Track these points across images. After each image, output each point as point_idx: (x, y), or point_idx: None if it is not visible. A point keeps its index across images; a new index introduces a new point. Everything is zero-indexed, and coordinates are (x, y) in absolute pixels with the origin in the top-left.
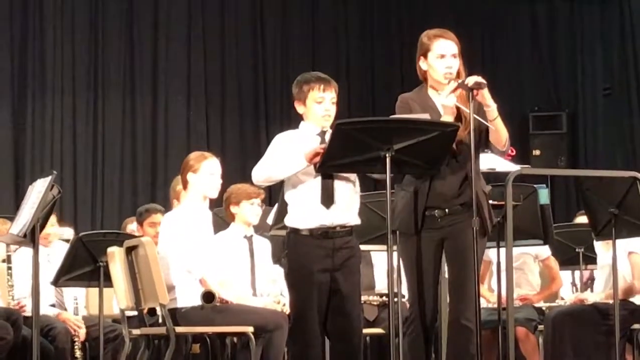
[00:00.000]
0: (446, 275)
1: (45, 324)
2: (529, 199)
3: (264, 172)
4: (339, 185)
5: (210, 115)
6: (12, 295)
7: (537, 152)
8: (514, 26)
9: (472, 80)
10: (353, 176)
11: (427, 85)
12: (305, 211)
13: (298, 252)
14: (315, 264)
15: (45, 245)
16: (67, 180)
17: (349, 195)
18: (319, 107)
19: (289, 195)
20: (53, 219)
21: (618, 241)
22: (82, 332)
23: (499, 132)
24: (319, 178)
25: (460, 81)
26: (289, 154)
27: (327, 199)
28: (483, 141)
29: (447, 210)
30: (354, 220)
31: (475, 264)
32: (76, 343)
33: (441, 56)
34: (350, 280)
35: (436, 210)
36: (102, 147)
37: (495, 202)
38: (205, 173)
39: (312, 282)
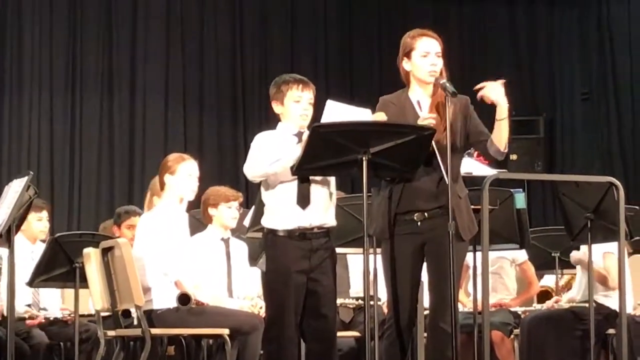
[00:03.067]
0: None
1: (21, 328)
2: (505, 203)
3: (259, 167)
4: (315, 187)
5: (188, 116)
6: None
7: (514, 157)
8: (493, 30)
9: (493, 94)
10: (330, 177)
11: (409, 88)
12: (283, 212)
13: (276, 253)
14: (293, 265)
15: (32, 242)
16: (44, 180)
17: (325, 196)
18: (297, 106)
19: (266, 197)
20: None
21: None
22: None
23: (502, 132)
24: (296, 180)
25: (442, 82)
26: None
27: (303, 200)
28: (462, 144)
29: (426, 214)
30: (331, 221)
31: (452, 268)
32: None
33: (425, 54)
34: (327, 281)
35: (415, 214)
36: (80, 147)
37: (472, 206)
38: (182, 175)
39: (289, 283)
